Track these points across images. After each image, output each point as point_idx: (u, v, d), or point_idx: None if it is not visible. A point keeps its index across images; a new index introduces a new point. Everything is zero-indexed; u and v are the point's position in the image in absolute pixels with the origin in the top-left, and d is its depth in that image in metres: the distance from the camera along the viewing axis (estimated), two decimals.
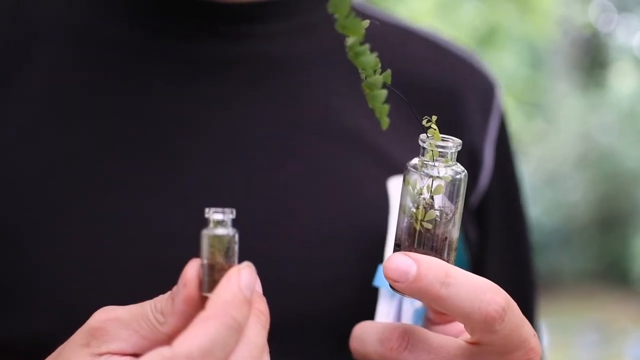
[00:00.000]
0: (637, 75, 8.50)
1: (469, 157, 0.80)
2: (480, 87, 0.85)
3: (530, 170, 7.43)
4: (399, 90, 0.69)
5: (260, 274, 0.59)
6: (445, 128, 0.58)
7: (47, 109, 0.72)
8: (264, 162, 0.73)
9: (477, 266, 0.80)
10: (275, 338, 0.59)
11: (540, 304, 0.87)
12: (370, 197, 0.73)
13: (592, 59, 8.66)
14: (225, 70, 0.75)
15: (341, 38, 0.56)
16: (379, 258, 0.70)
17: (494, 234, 0.84)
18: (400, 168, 0.73)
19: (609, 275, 7.32)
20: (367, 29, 0.53)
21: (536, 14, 6.77)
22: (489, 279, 0.56)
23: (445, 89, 0.81)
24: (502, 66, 6.77)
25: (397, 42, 0.82)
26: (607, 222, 7.55)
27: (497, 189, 0.84)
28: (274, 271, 0.69)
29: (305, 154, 0.74)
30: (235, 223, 0.56)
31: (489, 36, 6.65)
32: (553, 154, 7.75)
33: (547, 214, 7.38)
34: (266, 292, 0.58)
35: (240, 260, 0.55)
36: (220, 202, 0.62)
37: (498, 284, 0.56)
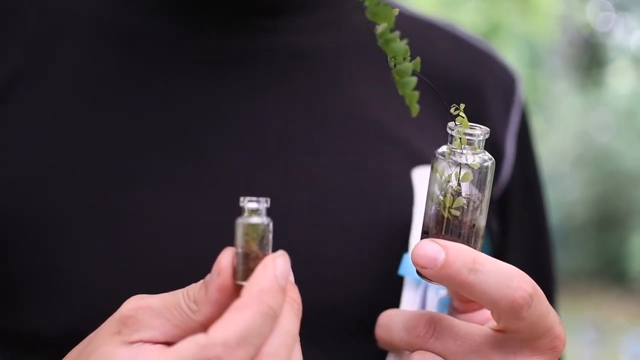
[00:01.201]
0: (635, 74, 8.50)
1: (491, 149, 0.80)
2: (502, 79, 0.85)
3: None
4: (429, 87, 0.69)
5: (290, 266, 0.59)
6: (468, 120, 0.59)
7: (73, 103, 0.72)
8: (292, 155, 0.73)
9: (499, 257, 0.80)
10: (304, 328, 0.60)
11: None
12: (397, 189, 0.74)
13: (591, 58, 8.67)
14: (252, 64, 0.75)
15: (368, 29, 0.56)
16: (404, 248, 0.70)
17: (516, 226, 0.84)
18: (425, 159, 0.73)
19: (607, 274, 7.32)
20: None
21: (536, 13, 6.77)
22: None
23: (468, 81, 0.82)
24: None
25: (420, 34, 0.82)
26: (605, 221, 7.55)
27: (518, 181, 0.84)
28: (303, 263, 0.69)
29: (332, 147, 0.74)
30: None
31: (489, 34, 6.64)
32: (551, 153, 7.74)
33: None
34: (296, 284, 0.58)
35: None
36: (248, 195, 0.62)
37: None
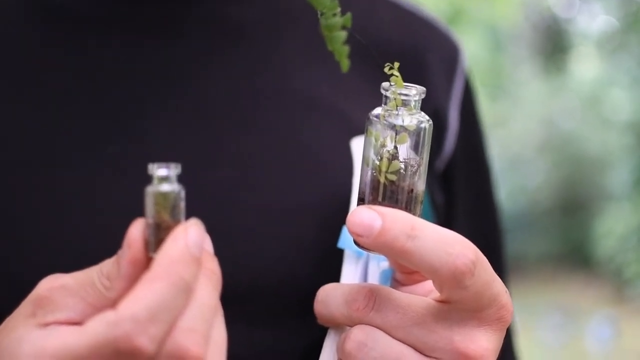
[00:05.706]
0: (598, 60, 8.56)
1: (434, 120, 0.78)
2: (444, 49, 0.83)
3: (493, 154, 7.44)
4: (365, 55, 0.67)
5: (223, 244, 0.57)
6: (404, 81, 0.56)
7: None
8: (224, 131, 0.70)
9: None
10: (241, 307, 0.57)
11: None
12: (335, 161, 0.71)
13: (554, 44, 8.71)
14: (182, 35, 0.72)
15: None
16: (344, 222, 0.67)
17: (461, 199, 0.82)
18: (364, 130, 0.71)
19: (572, 258, 7.37)
20: None
21: None
22: None
23: (410, 51, 0.80)
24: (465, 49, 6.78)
25: (362, 6, 0.80)
26: (570, 206, 7.61)
27: (463, 152, 0.82)
28: (237, 241, 0.66)
29: (265, 121, 0.71)
30: (196, 194, 0.53)
31: (452, 19, 6.65)
32: (516, 138, 7.78)
33: (511, 198, 7.41)
34: (229, 262, 0.56)
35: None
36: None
37: None
